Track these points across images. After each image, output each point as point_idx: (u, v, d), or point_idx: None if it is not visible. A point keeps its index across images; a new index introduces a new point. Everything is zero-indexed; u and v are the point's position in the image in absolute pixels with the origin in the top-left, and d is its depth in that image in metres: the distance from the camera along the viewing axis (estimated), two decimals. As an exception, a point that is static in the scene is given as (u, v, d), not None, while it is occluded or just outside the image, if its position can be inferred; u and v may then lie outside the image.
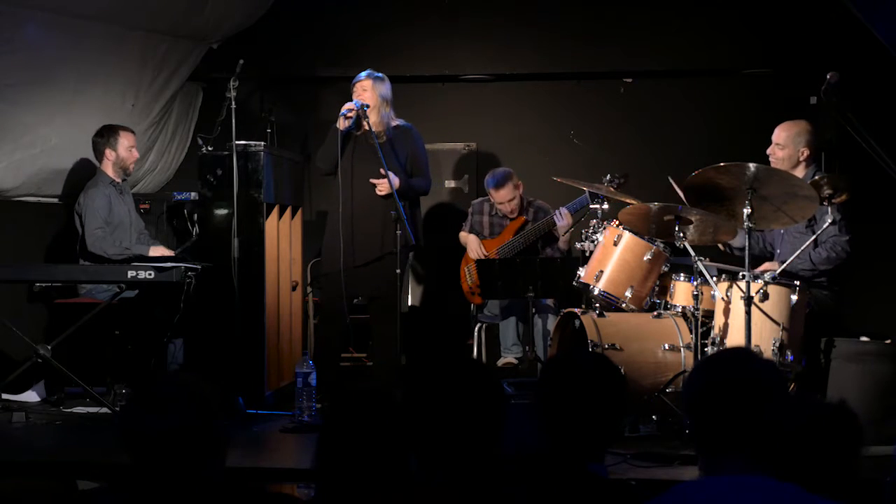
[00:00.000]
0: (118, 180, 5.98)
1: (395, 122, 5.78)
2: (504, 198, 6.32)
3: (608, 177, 5.54)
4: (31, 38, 5.53)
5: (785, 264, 4.81)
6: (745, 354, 2.07)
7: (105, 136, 5.95)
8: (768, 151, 5.21)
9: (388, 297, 5.60)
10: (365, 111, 5.61)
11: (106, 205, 5.86)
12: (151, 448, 2.05)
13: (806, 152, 5.14)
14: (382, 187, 5.63)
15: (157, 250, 5.93)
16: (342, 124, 5.63)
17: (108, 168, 5.95)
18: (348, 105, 5.63)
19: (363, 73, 5.75)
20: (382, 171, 5.52)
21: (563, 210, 6.15)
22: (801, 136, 5.16)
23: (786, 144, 5.16)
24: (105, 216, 5.83)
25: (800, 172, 5.08)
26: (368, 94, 5.66)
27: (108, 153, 5.93)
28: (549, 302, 6.07)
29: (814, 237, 4.82)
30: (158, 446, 2.04)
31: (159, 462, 2.05)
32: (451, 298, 7.19)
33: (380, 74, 5.75)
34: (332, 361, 5.81)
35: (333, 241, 5.65)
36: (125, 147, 5.95)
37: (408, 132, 5.78)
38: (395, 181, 5.56)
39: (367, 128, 5.64)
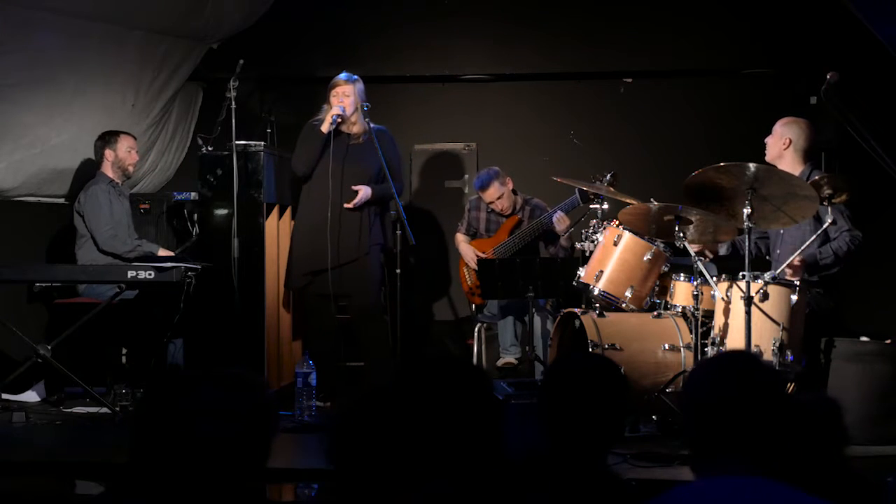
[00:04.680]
0: (118, 181, 5.98)
1: (371, 125, 5.69)
2: (492, 196, 6.29)
3: (598, 180, 5.54)
4: (41, 41, 5.54)
5: (798, 253, 4.79)
6: (746, 359, 2.04)
7: (105, 138, 5.95)
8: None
9: (367, 297, 5.59)
10: (346, 116, 5.61)
11: (108, 202, 5.86)
12: (204, 454, 1.83)
13: (788, 142, 5.12)
14: (355, 199, 5.60)
15: (162, 251, 5.94)
16: (327, 128, 5.58)
17: (108, 169, 5.94)
18: (336, 111, 5.58)
19: (341, 76, 5.67)
20: (355, 187, 5.55)
21: (559, 214, 6.10)
22: (789, 125, 5.15)
23: (773, 133, 5.18)
24: (108, 213, 5.83)
25: (795, 169, 5.05)
26: (350, 99, 5.62)
27: (108, 153, 5.92)
28: (546, 304, 6.05)
29: (823, 227, 4.76)
30: (213, 453, 1.84)
31: (203, 469, 1.84)
32: (451, 298, 7.19)
33: (356, 77, 5.70)
34: (330, 363, 5.80)
35: (311, 242, 5.60)
36: (124, 148, 5.94)
37: (383, 135, 5.70)
38: (368, 192, 5.57)
39: (345, 131, 5.65)
